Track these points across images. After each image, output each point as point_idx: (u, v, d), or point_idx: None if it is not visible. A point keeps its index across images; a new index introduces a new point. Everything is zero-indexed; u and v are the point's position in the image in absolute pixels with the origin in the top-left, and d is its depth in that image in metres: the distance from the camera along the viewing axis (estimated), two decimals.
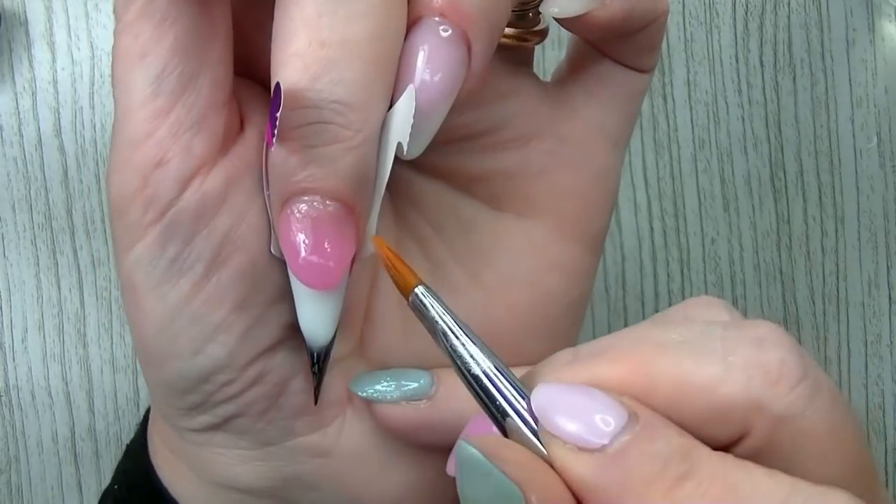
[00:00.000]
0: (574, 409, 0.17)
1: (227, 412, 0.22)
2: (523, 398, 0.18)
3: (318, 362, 0.22)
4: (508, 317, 0.25)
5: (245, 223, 0.21)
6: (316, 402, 0.23)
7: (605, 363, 0.18)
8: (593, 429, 0.17)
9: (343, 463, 0.24)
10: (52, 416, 0.44)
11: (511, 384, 0.18)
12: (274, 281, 0.21)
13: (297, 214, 0.19)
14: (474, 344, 0.19)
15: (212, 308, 0.21)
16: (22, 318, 0.44)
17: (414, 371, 0.24)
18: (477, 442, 0.17)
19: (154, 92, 0.20)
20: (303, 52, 0.18)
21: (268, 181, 0.20)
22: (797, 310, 0.45)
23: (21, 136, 0.44)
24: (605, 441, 0.17)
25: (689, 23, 0.44)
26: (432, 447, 0.24)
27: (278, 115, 0.18)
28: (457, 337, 0.19)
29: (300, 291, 0.21)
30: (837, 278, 0.45)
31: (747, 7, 0.44)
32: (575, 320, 0.26)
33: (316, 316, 0.21)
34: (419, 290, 0.19)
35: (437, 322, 0.19)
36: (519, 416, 0.18)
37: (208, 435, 0.23)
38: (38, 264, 0.44)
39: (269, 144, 0.19)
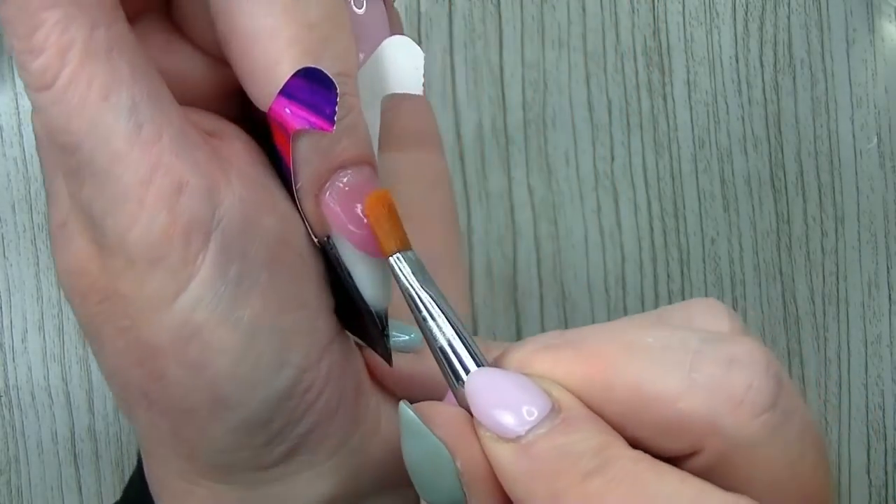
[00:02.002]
0: (503, 397, 0.18)
1: (306, 426, 0.22)
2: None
3: (386, 324, 0.22)
4: None
5: (282, 217, 0.20)
6: (391, 364, 0.23)
7: (573, 357, 0.18)
8: (517, 418, 0.17)
9: (392, 436, 0.24)
10: (51, 416, 0.44)
11: (472, 357, 0.19)
12: (319, 271, 0.21)
13: (346, 189, 0.20)
14: (442, 316, 0.19)
15: (283, 312, 0.20)
16: (22, 318, 0.44)
17: (406, 325, 0.24)
18: (415, 405, 0.18)
19: (136, 124, 0.18)
20: (298, 38, 0.19)
21: (296, 173, 0.20)
22: (797, 310, 0.45)
23: (21, 136, 0.44)
24: (522, 432, 0.17)
25: (689, 23, 0.44)
26: (414, 400, 0.24)
27: (336, 97, 0.19)
28: (424, 308, 0.20)
29: (358, 263, 0.21)
30: (837, 278, 0.45)
31: (747, 7, 0.44)
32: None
33: (376, 280, 0.21)
34: (393, 259, 0.20)
35: (407, 290, 0.20)
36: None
37: (283, 467, 0.22)
38: (38, 264, 0.44)
39: (290, 133, 0.19)
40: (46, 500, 0.45)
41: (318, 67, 0.19)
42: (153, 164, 0.18)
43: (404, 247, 0.20)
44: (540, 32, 0.43)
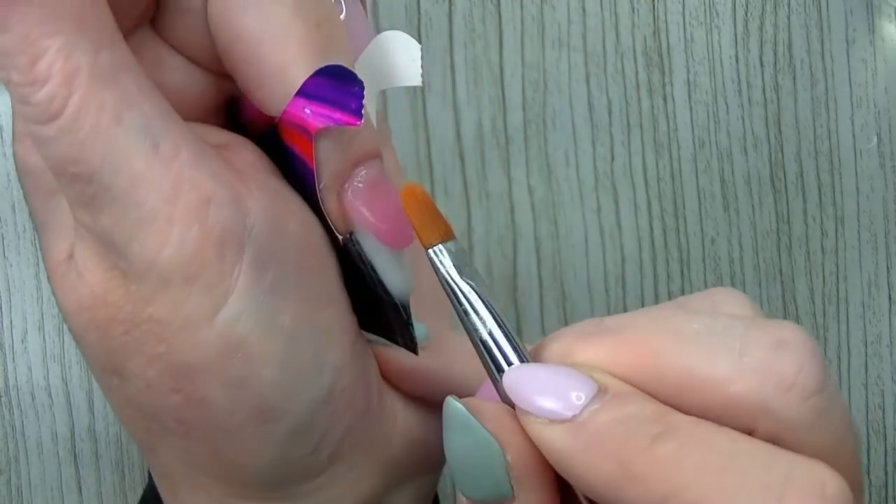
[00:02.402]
0: (546, 386, 0.18)
1: (345, 427, 0.21)
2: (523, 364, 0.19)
3: (410, 315, 0.22)
4: None
5: (302, 221, 0.20)
6: (417, 353, 0.23)
7: (618, 345, 0.18)
8: (566, 403, 0.17)
9: (408, 430, 0.24)
10: (51, 416, 0.44)
11: (515, 349, 0.19)
12: (337, 270, 0.21)
13: (365, 184, 0.20)
14: (484, 308, 0.19)
15: (317, 312, 0.20)
16: (22, 318, 0.44)
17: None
18: (462, 400, 0.18)
19: (152, 143, 0.18)
20: (308, 38, 0.19)
21: (319, 173, 0.20)
22: (797, 310, 0.45)
23: None
24: (577, 412, 0.17)
25: (689, 23, 0.44)
26: (421, 399, 0.24)
27: (361, 91, 0.19)
28: (466, 300, 0.19)
29: (382, 256, 0.21)
30: (837, 278, 0.45)
31: (747, 7, 0.44)
32: None
33: (400, 271, 0.21)
34: (432, 251, 0.20)
35: (446, 282, 0.20)
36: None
37: (327, 474, 0.22)
38: (38, 264, 0.44)
39: (312, 134, 0.19)
40: (46, 500, 0.45)
41: (339, 63, 0.19)
42: (176, 181, 0.18)
43: (444, 237, 0.20)
44: (540, 32, 0.43)
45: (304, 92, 0.19)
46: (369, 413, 0.22)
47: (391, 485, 0.24)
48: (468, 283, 0.20)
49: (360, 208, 0.20)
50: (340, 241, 0.21)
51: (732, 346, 0.18)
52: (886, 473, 0.45)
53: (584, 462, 0.17)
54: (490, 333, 0.19)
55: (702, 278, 0.45)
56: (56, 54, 0.17)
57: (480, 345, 0.19)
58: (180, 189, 0.18)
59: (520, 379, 0.18)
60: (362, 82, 0.19)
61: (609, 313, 0.45)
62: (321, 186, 0.20)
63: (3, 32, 0.17)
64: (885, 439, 0.45)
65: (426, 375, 0.24)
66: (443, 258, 0.20)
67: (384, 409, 0.23)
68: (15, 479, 0.44)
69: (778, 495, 0.16)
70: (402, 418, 0.24)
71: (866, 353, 0.45)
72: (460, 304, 0.20)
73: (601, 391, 0.18)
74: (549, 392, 0.18)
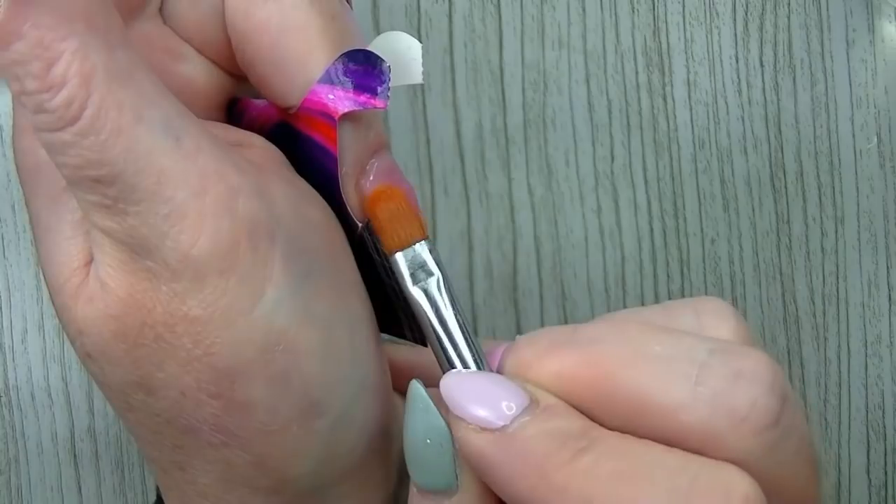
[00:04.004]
0: (480, 394, 0.18)
1: (376, 418, 0.21)
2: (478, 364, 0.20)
3: None
4: None
5: (322, 209, 0.20)
6: (426, 344, 0.23)
7: (578, 361, 0.19)
8: (497, 413, 0.18)
9: None
10: (51, 416, 0.44)
11: (471, 352, 0.20)
12: (354, 260, 0.21)
13: (386, 171, 0.21)
14: (452, 309, 0.20)
15: (348, 298, 0.20)
16: (22, 319, 0.44)
17: None
18: (429, 388, 0.19)
19: (175, 138, 0.18)
20: (327, 28, 0.20)
21: (341, 158, 0.20)
22: (797, 310, 0.45)
23: None
24: (507, 422, 0.18)
25: (689, 23, 0.44)
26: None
27: (389, 73, 0.19)
28: (426, 304, 0.20)
29: None
30: (837, 278, 0.45)
31: (747, 7, 0.44)
32: None
33: None
34: (396, 255, 0.20)
35: (404, 286, 0.20)
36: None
37: (361, 469, 0.22)
38: (38, 264, 0.44)
39: (337, 119, 0.20)
40: (46, 500, 0.45)
41: (364, 49, 0.19)
42: (203, 174, 0.18)
43: (407, 240, 0.20)
44: (540, 32, 0.43)
45: (327, 78, 0.19)
46: (390, 404, 0.22)
47: (402, 479, 0.24)
48: (422, 289, 0.20)
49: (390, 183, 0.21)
50: (359, 229, 0.21)
51: (689, 373, 0.18)
52: (886, 473, 0.45)
53: (507, 472, 0.18)
54: (446, 335, 0.20)
55: (702, 278, 0.45)
56: (72, 56, 0.16)
57: (435, 346, 0.20)
58: (208, 182, 0.18)
59: (455, 384, 0.19)
60: (389, 65, 0.19)
61: (609, 313, 0.45)
62: (342, 172, 0.20)
63: (17, 40, 0.16)
64: (885, 439, 0.45)
65: (411, 370, 0.24)
66: (404, 263, 0.20)
67: (394, 402, 0.23)
68: (15, 479, 0.44)
69: (684, 498, 0.16)
70: (401, 412, 0.24)
71: (866, 353, 0.45)
72: (418, 307, 0.20)
73: (533, 403, 0.18)
74: (482, 400, 0.18)
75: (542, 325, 0.44)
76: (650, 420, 0.18)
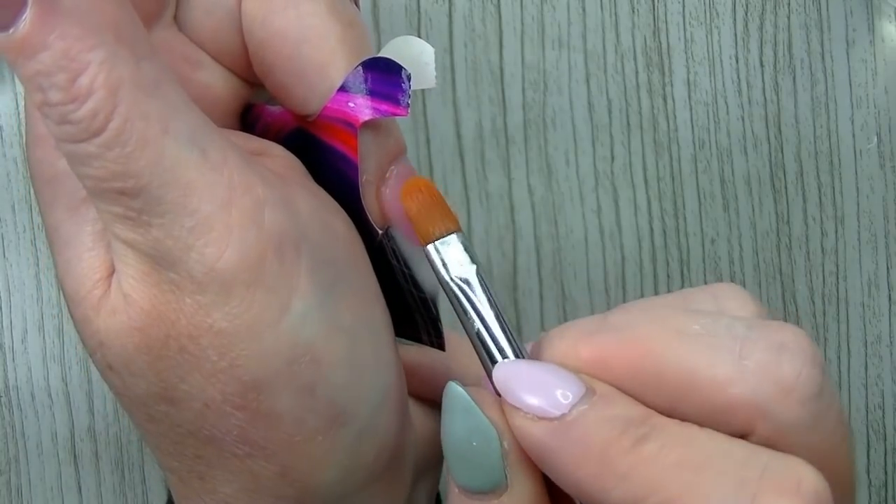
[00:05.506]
0: (535, 384, 0.18)
1: (398, 425, 0.21)
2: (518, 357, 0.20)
3: (438, 311, 0.23)
4: None
5: (343, 219, 0.20)
6: (445, 349, 0.23)
7: (619, 344, 0.19)
8: (553, 402, 0.18)
9: (421, 429, 0.24)
10: (51, 416, 0.44)
11: (510, 343, 0.19)
12: (371, 266, 0.21)
13: (399, 181, 0.21)
14: (487, 300, 0.20)
15: (370, 307, 0.20)
16: (22, 319, 0.44)
17: None
18: (465, 386, 0.19)
19: (200, 150, 0.17)
20: (345, 36, 0.19)
21: (362, 165, 0.20)
22: (797, 310, 0.45)
23: (21, 136, 0.44)
24: (565, 411, 0.18)
25: (689, 23, 0.44)
26: (417, 396, 0.24)
27: (409, 81, 0.19)
28: (463, 295, 0.20)
29: (417, 252, 0.21)
30: (837, 278, 0.45)
31: (747, 7, 0.44)
32: None
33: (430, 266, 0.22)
34: (430, 247, 0.20)
35: (441, 277, 0.20)
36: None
37: (387, 476, 0.22)
38: (38, 264, 0.44)
39: (358, 127, 0.19)
40: (46, 500, 0.45)
41: (385, 56, 0.19)
42: (229, 186, 0.17)
43: (446, 231, 0.20)
44: (540, 32, 0.43)
45: (348, 86, 0.19)
46: (408, 413, 0.22)
47: (416, 482, 0.24)
48: (462, 280, 0.20)
49: (395, 203, 0.21)
50: (378, 236, 0.21)
51: (733, 348, 0.18)
52: (886, 473, 0.45)
53: (568, 460, 0.18)
54: (486, 327, 0.19)
55: (702, 278, 0.45)
56: (99, 67, 0.16)
57: (475, 338, 0.19)
58: (234, 194, 0.17)
59: (509, 374, 0.19)
60: (409, 74, 0.19)
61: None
62: (363, 180, 0.20)
63: (42, 50, 0.16)
64: (885, 439, 0.45)
65: (423, 372, 0.24)
66: (439, 255, 0.20)
67: (410, 407, 0.23)
68: (15, 479, 0.44)
69: (754, 490, 0.16)
70: (415, 415, 0.24)
71: (866, 353, 0.45)
72: (457, 299, 0.20)
73: (589, 392, 0.18)
74: (537, 389, 0.18)
75: (542, 325, 0.44)
76: (698, 396, 0.18)
